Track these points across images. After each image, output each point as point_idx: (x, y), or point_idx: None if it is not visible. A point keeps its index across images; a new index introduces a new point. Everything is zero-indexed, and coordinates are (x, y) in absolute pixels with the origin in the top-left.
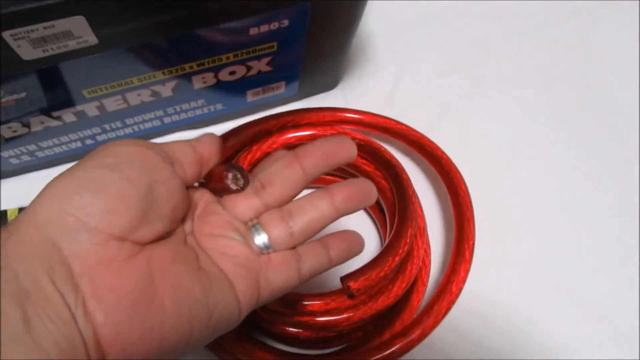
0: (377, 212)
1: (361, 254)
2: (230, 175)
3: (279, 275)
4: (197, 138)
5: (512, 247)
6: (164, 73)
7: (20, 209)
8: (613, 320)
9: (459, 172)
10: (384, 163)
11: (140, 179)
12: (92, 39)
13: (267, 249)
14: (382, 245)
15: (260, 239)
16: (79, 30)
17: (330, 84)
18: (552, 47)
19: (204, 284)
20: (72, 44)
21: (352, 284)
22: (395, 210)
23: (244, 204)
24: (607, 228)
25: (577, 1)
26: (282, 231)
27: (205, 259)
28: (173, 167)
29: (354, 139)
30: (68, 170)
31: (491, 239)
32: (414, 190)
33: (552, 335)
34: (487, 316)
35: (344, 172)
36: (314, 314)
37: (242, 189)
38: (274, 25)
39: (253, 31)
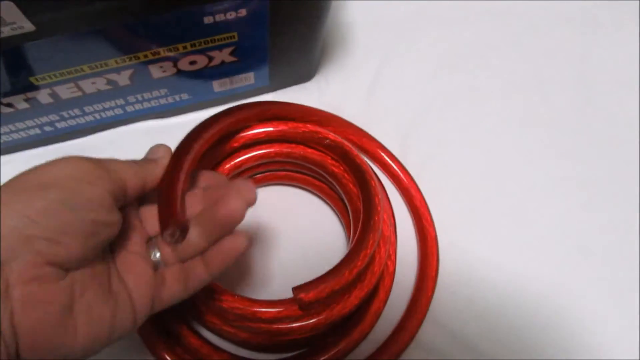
0: (345, 216)
1: (322, 260)
2: (166, 234)
3: (169, 292)
4: (144, 161)
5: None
6: (117, 61)
7: None
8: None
9: (408, 176)
10: (354, 167)
11: (87, 215)
12: (29, 26)
13: (159, 265)
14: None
15: (155, 254)
16: (10, 16)
17: (305, 76)
18: (548, 50)
19: (113, 308)
20: (6, 30)
21: (304, 296)
22: (360, 217)
23: (155, 220)
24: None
25: (577, 1)
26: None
27: (116, 279)
28: (115, 196)
29: (325, 138)
30: (25, 179)
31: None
32: (380, 199)
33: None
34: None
35: (312, 171)
36: (267, 321)
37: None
38: (231, 15)
39: (208, 20)
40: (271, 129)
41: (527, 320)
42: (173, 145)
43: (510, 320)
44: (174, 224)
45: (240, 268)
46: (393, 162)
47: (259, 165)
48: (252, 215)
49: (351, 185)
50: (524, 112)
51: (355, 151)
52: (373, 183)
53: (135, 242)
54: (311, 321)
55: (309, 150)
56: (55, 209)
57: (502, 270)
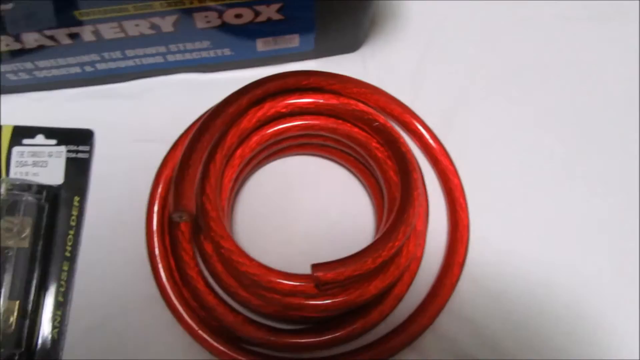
0: (377, 198)
1: (347, 239)
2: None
3: None
4: None
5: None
6: (161, 5)
7: (15, 127)
8: None
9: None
10: (399, 156)
11: None
12: None
13: None
14: (374, 234)
15: None
16: None
17: (349, 46)
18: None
19: None
20: None
21: (322, 276)
22: (395, 207)
23: None
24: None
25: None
26: None
27: None
28: None
29: (374, 120)
30: None
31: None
32: (419, 194)
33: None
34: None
35: (353, 150)
36: (280, 292)
37: None
38: None
39: None
40: (321, 100)
41: (553, 324)
42: (212, 100)
43: (535, 321)
44: (181, 209)
45: (262, 232)
46: (434, 141)
47: (300, 136)
48: (283, 182)
49: (392, 173)
50: (572, 105)
51: (402, 139)
52: (415, 176)
53: None
54: (325, 302)
55: (355, 129)
56: None
57: (533, 270)
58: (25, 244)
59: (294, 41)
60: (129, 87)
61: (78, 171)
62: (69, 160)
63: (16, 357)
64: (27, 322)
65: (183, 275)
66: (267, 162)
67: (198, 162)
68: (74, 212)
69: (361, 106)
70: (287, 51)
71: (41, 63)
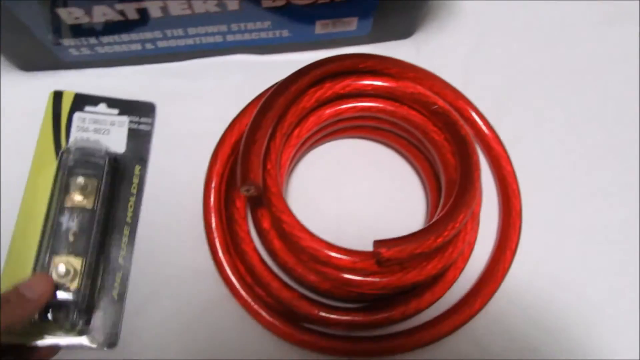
0: (431, 181)
1: (397, 221)
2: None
3: None
4: (16, 298)
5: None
6: None
7: (77, 95)
8: None
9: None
10: (458, 139)
11: None
12: None
13: None
14: (426, 217)
15: None
16: None
17: (404, 32)
18: None
19: None
20: None
21: (384, 252)
22: (454, 190)
23: None
24: None
25: None
26: None
27: None
28: None
29: (433, 103)
30: None
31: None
32: (479, 175)
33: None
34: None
35: (408, 133)
36: (339, 268)
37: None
38: None
39: None
40: (380, 83)
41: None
42: (267, 82)
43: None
44: (250, 182)
45: (312, 214)
46: (487, 128)
47: (355, 118)
48: (335, 164)
49: (449, 155)
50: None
51: (461, 121)
52: (475, 158)
53: None
54: (383, 279)
55: (412, 112)
56: None
57: (578, 278)
58: (90, 204)
59: (351, 25)
60: (186, 66)
61: (139, 141)
62: (130, 131)
63: (75, 315)
64: (89, 281)
65: (238, 250)
66: (320, 144)
67: (263, 137)
68: (135, 180)
69: (420, 89)
70: (343, 35)
71: (105, 39)
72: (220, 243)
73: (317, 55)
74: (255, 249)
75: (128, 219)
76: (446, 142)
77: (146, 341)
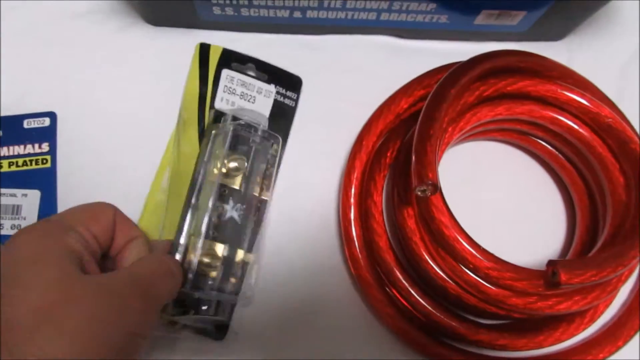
0: (582, 198)
1: (530, 236)
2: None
3: None
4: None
5: None
6: None
7: (225, 50)
8: None
9: None
10: (631, 159)
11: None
12: None
13: None
14: (566, 236)
15: None
16: None
17: (558, 33)
18: None
19: None
20: None
21: (563, 274)
22: (627, 212)
23: None
24: None
25: None
26: None
27: None
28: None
29: (606, 117)
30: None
31: None
32: None
33: None
34: None
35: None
36: (498, 285)
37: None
38: None
39: None
40: (545, 87)
41: None
42: (411, 68)
43: None
44: (428, 181)
45: None
46: None
47: (508, 120)
48: (470, 166)
49: (618, 174)
50: None
51: (637, 141)
52: None
53: None
54: (545, 304)
55: (577, 122)
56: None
57: None
58: (237, 184)
59: (515, 19)
60: (328, 41)
61: (282, 116)
62: (275, 103)
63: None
64: (228, 270)
65: (373, 246)
66: (459, 144)
67: (439, 131)
68: (271, 161)
69: (592, 100)
70: (499, 29)
71: (256, 0)
72: (357, 237)
73: (463, 47)
74: (391, 247)
75: (257, 203)
76: (614, 158)
77: (264, 332)
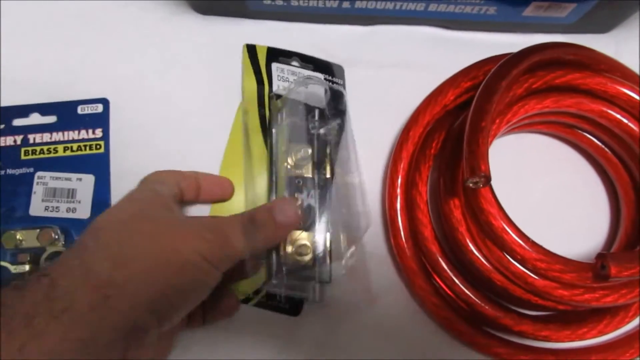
0: (628, 194)
1: (572, 230)
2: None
3: None
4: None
5: None
6: None
7: (269, 48)
8: None
9: None
10: None
11: None
12: None
13: None
14: (610, 230)
15: None
16: None
17: (605, 26)
18: None
19: None
20: None
21: (613, 267)
22: None
23: None
24: None
25: None
26: None
27: None
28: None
29: None
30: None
31: None
32: None
33: None
34: None
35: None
36: (545, 276)
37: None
38: None
39: None
40: (594, 80)
41: None
42: (457, 60)
43: None
44: (481, 173)
45: None
46: None
47: (555, 113)
48: (513, 159)
49: None
50: None
51: None
52: None
53: None
54: (591, 296)
55: (627, 116)
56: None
57: None
58: (309, 173)
59: (564, 11)
60: (374, 32)
61: (336, 100)
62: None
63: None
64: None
65: (418, 237)
66: (504, 136)
67: (490, 124)
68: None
69: None
70: (547, 20)
71: None
72: (403, 227)
73: (511, 38)
74: (436, 238)
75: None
76: None
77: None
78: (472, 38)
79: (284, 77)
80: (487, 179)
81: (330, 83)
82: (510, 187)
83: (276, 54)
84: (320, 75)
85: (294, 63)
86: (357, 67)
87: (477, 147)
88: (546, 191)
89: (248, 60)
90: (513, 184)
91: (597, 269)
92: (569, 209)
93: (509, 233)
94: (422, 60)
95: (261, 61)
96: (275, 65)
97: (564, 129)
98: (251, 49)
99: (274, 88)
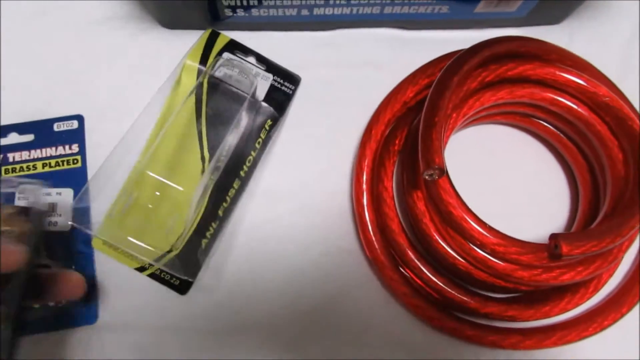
0: (584, 175)
1: (536, 214)
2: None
3: None
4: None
5: None
6: None
7: (232, 40)
8: None
9: None
10: (629, 136)
11: None
12: None
13: None
14: (570, 212)
15: None
16: None
17: (557, 17)
18: None
19: None
20: None
21: (564, 246)
22: (626, 186)
23: None
24: None
25: None
26: None
27: None
28: None
29: (603, 96)
30: None
31: None
32: None
33: None
34: None
35: (564, 124)
36: (503, 259)
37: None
38: None
39: None
40: (544, 70)
41: None
42: (414, 58)
43: None
44: (435, 166)
45: None
46: None
47: (510, 104)
48: (476, 150)
49: (617, 150)
50: None
51: (634, 118)
52: None
53: None
54: (549, 275)
55: (575, 101)
56: None
57: None
58: None
59: (514, 5)
60: (333, 36)
61: (278, 99)
62: (272, 86)
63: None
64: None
65: (386, 230)
66: (463, 129)
67: (443, 119)
68: (262, 135)
69: (589, 80)
70: (499, 16)
71: (266, 1)
72: (371, 221)
73: (464, 35)
74: (403, 230)
75: (242, 173)
76: (613, 135)
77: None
78: (429, 36)
79: (229, 67)
80: (442, 171)
81: (279, 85)
82: (474, 178)
83: (235, 47)
84: (270, 75)
85: (250, 59)
86: (319, 70)
87: (431, 142)
88: (509, 178)
89: (203, 43)
90: (476, 174)
91: (552, 249)
92: (530, 194)
93: (467, 221)
94: (382, 60)
95: (216, 48)
96: (226, 55)
97: (521, 118)
98: (213, 35)
99: (216, 70)
